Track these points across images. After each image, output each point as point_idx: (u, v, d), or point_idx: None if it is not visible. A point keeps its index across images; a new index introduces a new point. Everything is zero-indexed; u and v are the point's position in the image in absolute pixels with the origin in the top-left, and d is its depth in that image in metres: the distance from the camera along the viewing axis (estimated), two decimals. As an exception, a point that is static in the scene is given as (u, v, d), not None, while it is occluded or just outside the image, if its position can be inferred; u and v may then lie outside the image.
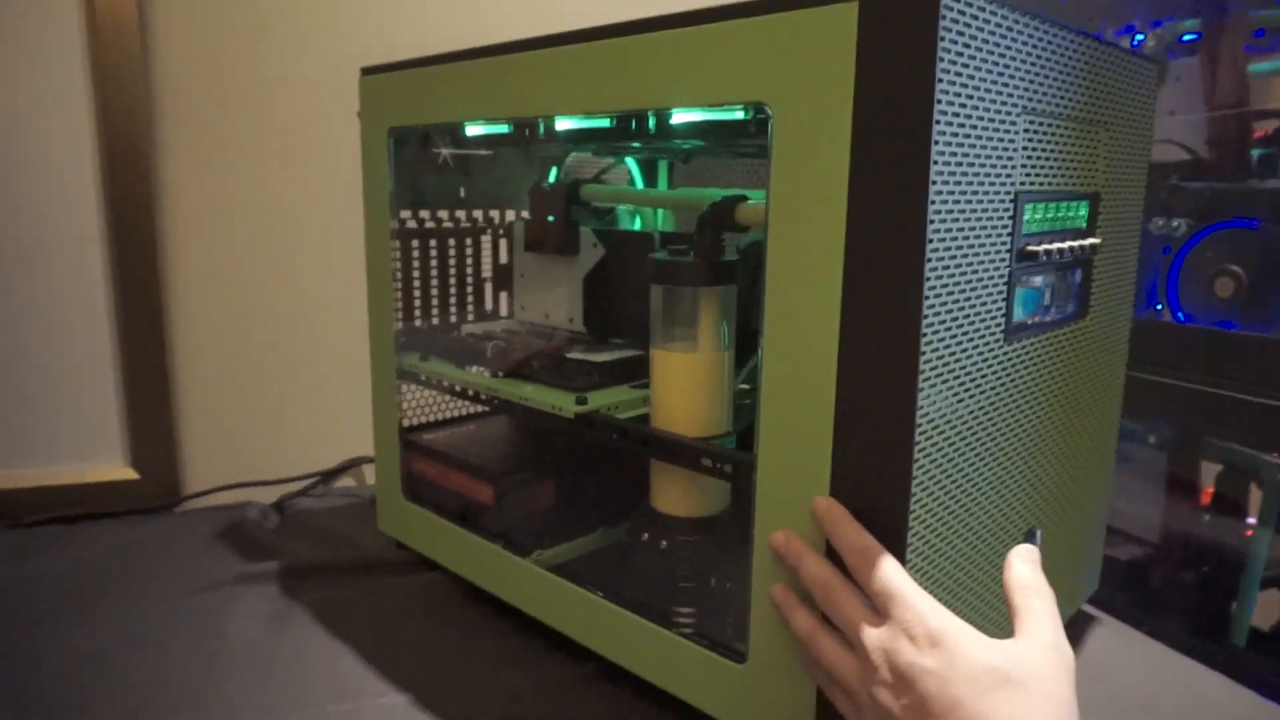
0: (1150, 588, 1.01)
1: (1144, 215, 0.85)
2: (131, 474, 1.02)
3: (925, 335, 0.44)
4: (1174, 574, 1.00)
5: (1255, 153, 0.90)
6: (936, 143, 0.43)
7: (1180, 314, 0.89)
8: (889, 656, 0.42)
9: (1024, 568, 0.47)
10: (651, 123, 0.61)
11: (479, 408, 0.90)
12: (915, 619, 0.42)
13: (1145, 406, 0.91)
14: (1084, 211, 0.60)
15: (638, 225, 0.89)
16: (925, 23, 0.42)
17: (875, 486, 0.46)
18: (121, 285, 0.98)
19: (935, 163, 0.43)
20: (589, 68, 0.59)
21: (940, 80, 0.42)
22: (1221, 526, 0.98)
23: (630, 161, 0.90)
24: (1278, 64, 0.92)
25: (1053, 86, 0.52)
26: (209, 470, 1.05)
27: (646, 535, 0.65)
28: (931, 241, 0.43)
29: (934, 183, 0.43)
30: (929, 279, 0.44)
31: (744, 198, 0.61)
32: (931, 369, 0.45)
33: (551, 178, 0.90)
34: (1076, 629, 0.75)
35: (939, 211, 0.44)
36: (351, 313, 1.06)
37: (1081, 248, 0.59)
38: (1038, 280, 0.56)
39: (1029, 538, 0.59)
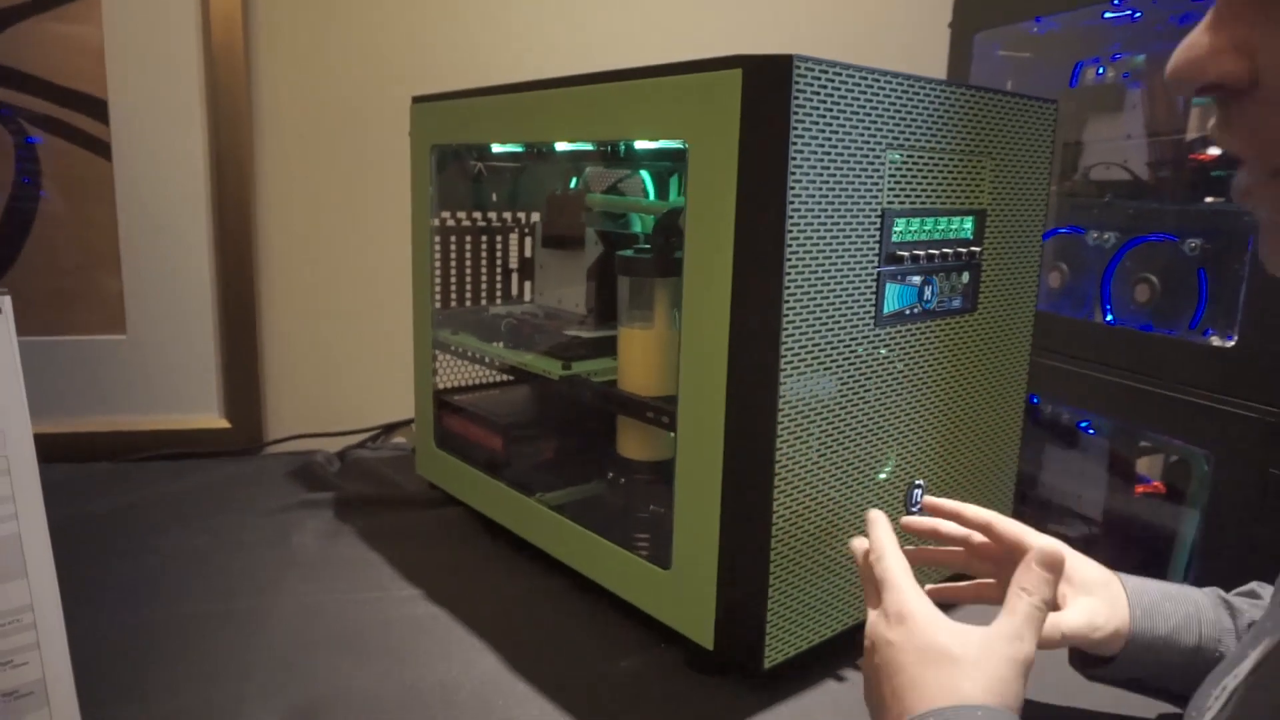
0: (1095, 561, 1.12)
1: (1084, 229, 0.98)
2: (224, 423, 1.23)
3: (787, 318, 0.59)
4: (1115, 550, 1.10)
5: (1192, 176, 1.00)
6: (793, 172, 0.58)
7: (1110, 315, 1.00)
8: (871, 628, 0.52)
9: (1029, 576, 0.50)
10: (622, 148, 0.77)
11: (503, 376, 1.08)
12: (892, 601, 0.51)
13: (1090, 398, 1.03)
14: (970, 224, 0.74)
15: (639, 228, 1.05)
16: (782, 84, 0.57)
17: (753, 433, 0.62)
18: (223, 272, 1.19)
19: (793, 186, 0.58)
20: (574, 106, 0.75)
21: (795, 127, 0.57)
22: (1161, 510, 1.09)
23: (644, 173, 1.06)
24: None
25: (923, 127, 0.67)
26: (287, 422, 1.26)
27: (611, 475, 0.82)
28: (791, 245, 0.59)
29: (791, 201, 0.58)
30: (789, 273, 0.59)
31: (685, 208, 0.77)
32: (795, 342, 0.60)
33: (572, 186, 1.07)
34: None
35: (796, 224, 0.59)
36: (404, 295, 1.26)
37: (967, 254, 0.73)
38: (916, 279, 0.70)
39: (910, 492, 0.73)
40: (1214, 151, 1.00)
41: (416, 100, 0.97)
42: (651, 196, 1.07)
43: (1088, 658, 0.60)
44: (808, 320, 0.61)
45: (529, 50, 1.27)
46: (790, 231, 0.59)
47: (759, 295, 0.60)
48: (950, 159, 0.70)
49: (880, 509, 0.60)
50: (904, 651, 0.48)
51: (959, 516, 0.64)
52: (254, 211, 1.20)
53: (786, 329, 0.60)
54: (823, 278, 0.62)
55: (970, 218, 0.74)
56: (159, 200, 1.17)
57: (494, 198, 1.07)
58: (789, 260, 0.59)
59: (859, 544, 0.58)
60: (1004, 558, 0.60)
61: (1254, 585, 0.63)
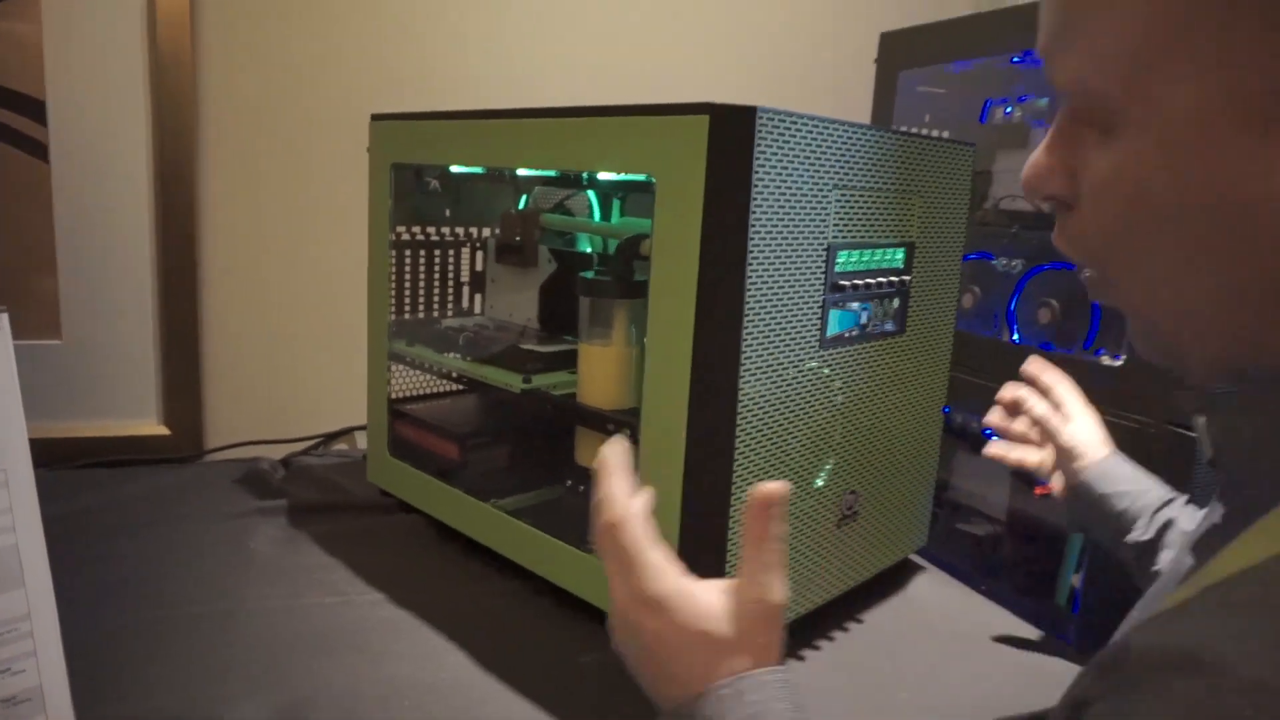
0: (998, 556, 1.22)
1: (993, 255, 1.07)
2: (164, 430, 1.23)
3: (746, 341, 0.66)
4: (1016, 547, 1.21)
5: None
6: (755, 212, 0.64)
7: (1015, 335, 1.11)
8: (624, 608, 0.49)
9: (760, 521, 0.49)
10: (585, 177, 0.82)
11: (453, 386, 1.12)
12: (643, 585, 0.49)
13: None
14: (900, 256, 0.82)
15: (587, 246, 1.10)
16: (746, 130, 0.63)
17: (713, 446, 0.68)
18: (164, 279, 1.19)
19: (753, 223, 0.64)
20: (544, 136, 0.80)
21: (756, 170, 0.64)
22: (1057, 509, 1.20)
23: (590, 193, 1.11)
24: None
25: (865, 168, 0.74)
26: (228, 430, 1.26)
27: (570, 483, 0.87)
28: (750, 276, 0.65)
29: (752, 237, 0.64)
30: (748, 300, 0.65)
31: (646, 235, 0.83)
32: (753, 365, 0.67)
33: (521, 204, 1.11)
34: (906, 573, 0.97)
35: (755, 255, 0.65)
36: (350, 306, 1.28)
37: (899, 282, 0.81)
38: (855, 305, 0.78)
39: (847, 495, 0.81)
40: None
41: (376, 118, 0.99)
42: (596, 215, 1.12)
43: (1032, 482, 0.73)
44: (763, 343, 0.68)
45: (485, 76, 1.30)
46: (750, 263, 0.65)
47: (721, 318, 0.66)
48: (885, 196, 0.78)
49: (810, 514, 0.67)
50: (666, 635, 0.48)
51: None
52: (198, 216, 1.20)
53: (745, 350, 0.66)
54: (776, 304, 0.68)
55: (902, 249, 0.82)
56: (99, 203, 1.16)
57: (447, 213, 1.10)
58: (749, 288, 0.65)
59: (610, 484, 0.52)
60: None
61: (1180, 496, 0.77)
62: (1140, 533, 0.74)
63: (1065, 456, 0.80)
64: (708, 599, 0.49)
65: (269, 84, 1.21)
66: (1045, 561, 1.18)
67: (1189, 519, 0.73)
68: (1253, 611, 0.29)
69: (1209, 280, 0.36)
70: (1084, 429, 0.81)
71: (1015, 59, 1.16)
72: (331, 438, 1.30)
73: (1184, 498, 0.77)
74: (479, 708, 0.68)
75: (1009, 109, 1.22)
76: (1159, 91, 0.34)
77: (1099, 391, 0.98)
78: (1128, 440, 0.95)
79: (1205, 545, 0.45)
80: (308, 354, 1.29)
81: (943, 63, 1.22)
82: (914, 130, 1.28)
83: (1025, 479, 1.23)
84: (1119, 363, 0.97)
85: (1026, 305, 1.09)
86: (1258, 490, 0.35)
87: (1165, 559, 0.72)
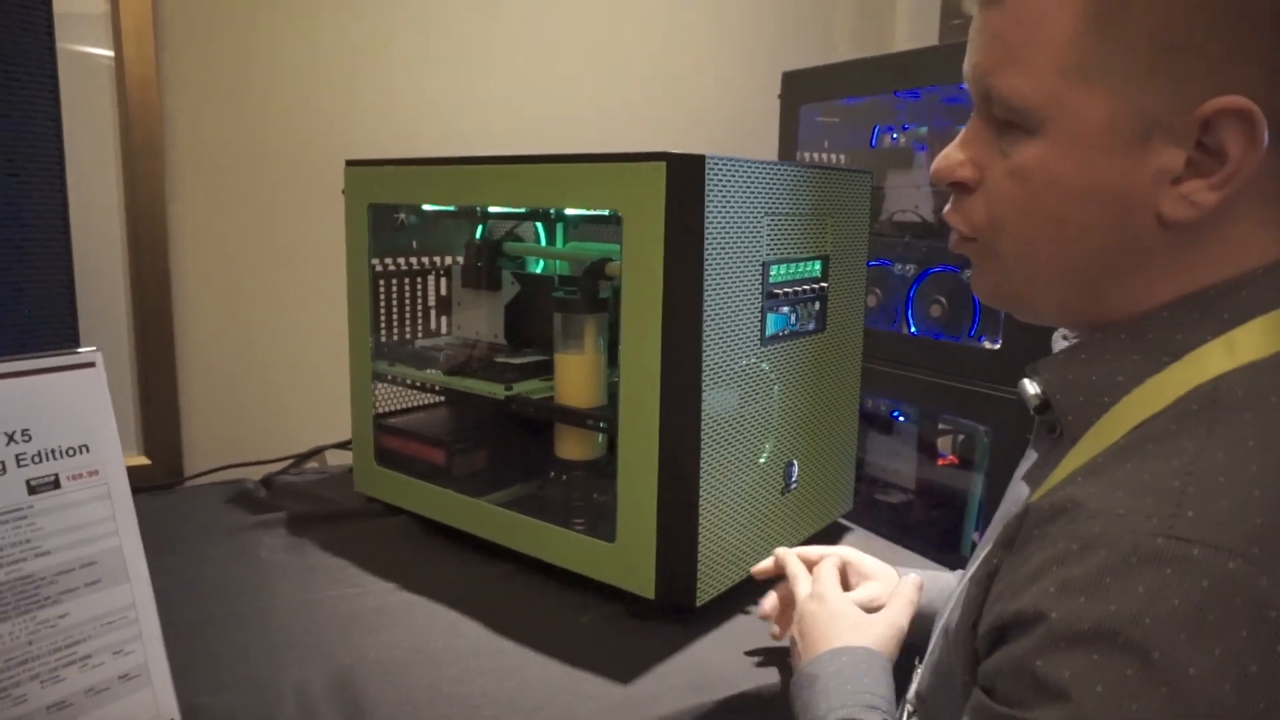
0: (911, 521, 1.42)
1: (891, 261, 1.25)
2: (145, 460, 1.30)
3: (705, 344, 0.81)
4: (925, 511, 1.41)
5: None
6: (708, 239, 0.80)
7: (912, 328, 1.30)
8: (800, 605, 0.75)
9: (910, 584, 0.77)
10: (553, 212, 0.97)
11: (426, 399, 1.24)
12: (818, 588, 0.76)
13: (901, 392, 1.32)
14: (818, 266, 0.99)
15: (540, 267, 1.24)
16: (697, 175, 0.79)
17: (682, 433, 0.83)
18: (139, 312, 1.26)
19: (707, 249, 0.80)
20: (517, 180, 0.94)
21: (708, 205, 0.79)
22: (956, 476, 1.40)
23: (538, 224, 1.25)
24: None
25: (788, 197, 0.91)
26: (205, 456, 1.34)
27: (553, 473, 1.00)
28: (706, 289, 0.80)
29: (706, 258, 0.80)
30: (706, 310, 0.81)
31: (610, 259, 0.98)
32: (711, 360, 0.82)
33: (478, 234, 1.24)
34: (838, 534, 1.14)
35: (709, 273, 0.81)
36: (317, 332, 1.38)
37: (818, 289, 0.98)
38: (785, 309, 0.94)
39: (788, 467, 0.97)
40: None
41: (351, 164, 1.11)
42: (542, 240, 1.26)
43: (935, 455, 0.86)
44: (718, 344, 0.83)
45: (416, 116, 1.42)
46: (706, 279, 0.80)
47: (685, 327, 0.81)
48: (805, 219, 0.95)
49: (760, 486, 0.83)
50: (819, 617, 0.72)
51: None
52: (170, 258, 1.28)
53: (705, 351, 0.81)
54: (727, 312, 0.84)
55: (819, 261, 0.99)
56: (77, 243, 1.23)
57: (414, 244, 1.22)
58: (706, 300, 0.81)
59: (783, 552, 0.84)
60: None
61: None
62: None
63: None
64: (855, 605, 0.73)
65: (235, 128, 1.30)
66: (950, 522, 1.38)
67: None
68: (1098, 479, 0.44)
69: (1075, 244, 0.49)
70: (881, 576, 0.82)
71: (898, 93, 1.36)
72: (305, 457, 1.40)
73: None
74: (500, 661, 0.81)
75: (895, 136, 1.42)
76: (1079, 103, 0.46)
77: (983, 371, 1.18)
78: (1006, 409, 1.15)
79: (1037, 473, 0.57)
80: (277, 380, 1.38)
81: (837, 98, 1.41)
82: (816, 156, 1.47)
83: (929, 452, 1.43)
84: (997, 346, 1.17)
85: (920, 302, 1.28)
86: (1077, 416, 0.51)
87: None
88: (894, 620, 0.72)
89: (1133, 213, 0.48)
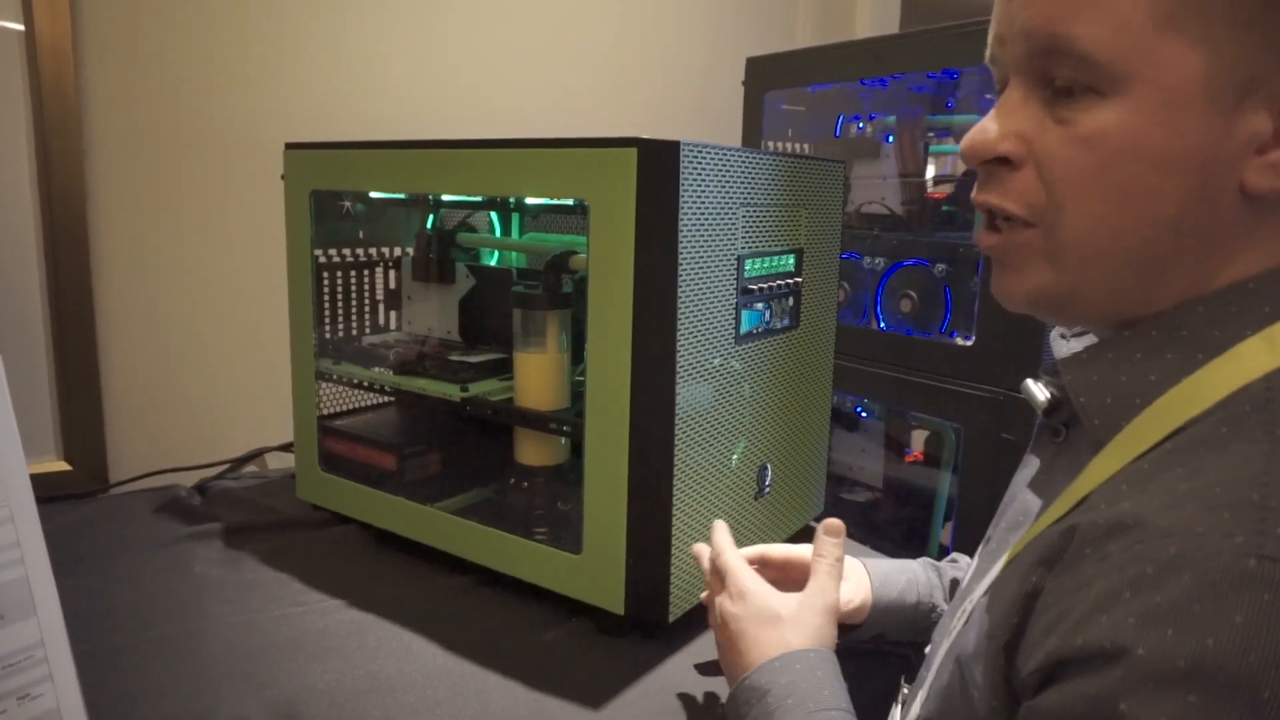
0: (877, 520, 1.39)
1: (860, 255, 1.22)
2: (64, 466, 1.20)
3: (679, 340, 0.76)
4: (892, 510, 1.38)
5: (933, 213, 1.29)
6: (682, 230, 0.74)
7: (881, 324, 1.27)
8: (719, 608, 0.66)
9: (820, 544, 0.67)
10: (513, 201, 0.90)
11: (375, 399, 1.16)
12: (733, 583, 0.66)
13: (869, 389, 1.29)
14: (792, 261, 0.94)
15: (495, 260, 1.17)
16: (671, 162, 0.73)
17: (655, 437, 0.77)
18: (56, 306, 1.16)
19: (682, 241, 0.74)
20: (474, 165, 0.87)
21: (682, 195, 0.74)
22: (924, 474, 1.38)
23: (492, 213, 1.18)
24: (948, 146, 1.32)
25: (763, 187, 0.86)
26: (132, 461, 1.24)
27: (513, 480, 0.94)
28: (680, 284, 0.75)
29: (680, 251, 0.75)
30: (680, 307, 0.75)
31: (574, 251, 0.92)
32: (685, 360, 0.77)
33: (429, 224, 1.17)
34: (805, 537, 1.10)
35: (684, 267, 0.75)
36: (251, 329, 1.30)
37: (792, 283, 0.93)
38: (760, 305, 0.89)
39: (761, 471, 0.92)
40: (946, 189, 1.29)
41: (291, 146, 1.03)
42: (498, 232, 1.20)
43: (842, 627, 0.73)
44: (692, 342, 0.78)
45: (368, 94, 1.34)
46: (680, 273, 0.75)
47: (658, 323, 0.76)
48: (779, 211, 0.90)
49: (733, 492, 0.78)
50: (744, 620, 0.63)
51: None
52: (90, 248, 1.18)
53: (680, 351, 0.76)
54: (701, 308, 0.79)
55: (793, 254, 0.94)
56: (-17, 238, 1.13)
57: (360, 234, 1.14)
58: (680, 295, 0.75)
59: (700, 549, 0.75)
60: (783, 576, 0.75)
61: (954, 555, 0.83)
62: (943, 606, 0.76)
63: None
64: (779, 593, 0.65)
65: (162, 105, 1.21)
66: (917, 521, 1.35)
67: (957, 569, 0.79)
68: (1149, 488, 0.40)
69: (1148, 219, 0.43)
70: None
71: (864, 81, 1.32)
72: (243, 461, 1.31)
73: (939, 560, 0.82)
74: (460, 687, 0.75)
75: (861, 125, 1.38)
76: (1171, 57, 0.41)
77: (954, 368, 1.15)
78: (978, 406, 1.12)
79: (1046, 481, 0.54)
80: (213, 378, 1.29)
81: (803, 85, 1.37)
82: (781, 145, 1.43)
83: (896, 449, 1.40)
84: (970, 343, 1.14)
85: (890, 297, 1.25)
86: (1104, 419, 0.47)
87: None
88: (825, 603, 0.64)
89: (1214, 183, 0.43)
